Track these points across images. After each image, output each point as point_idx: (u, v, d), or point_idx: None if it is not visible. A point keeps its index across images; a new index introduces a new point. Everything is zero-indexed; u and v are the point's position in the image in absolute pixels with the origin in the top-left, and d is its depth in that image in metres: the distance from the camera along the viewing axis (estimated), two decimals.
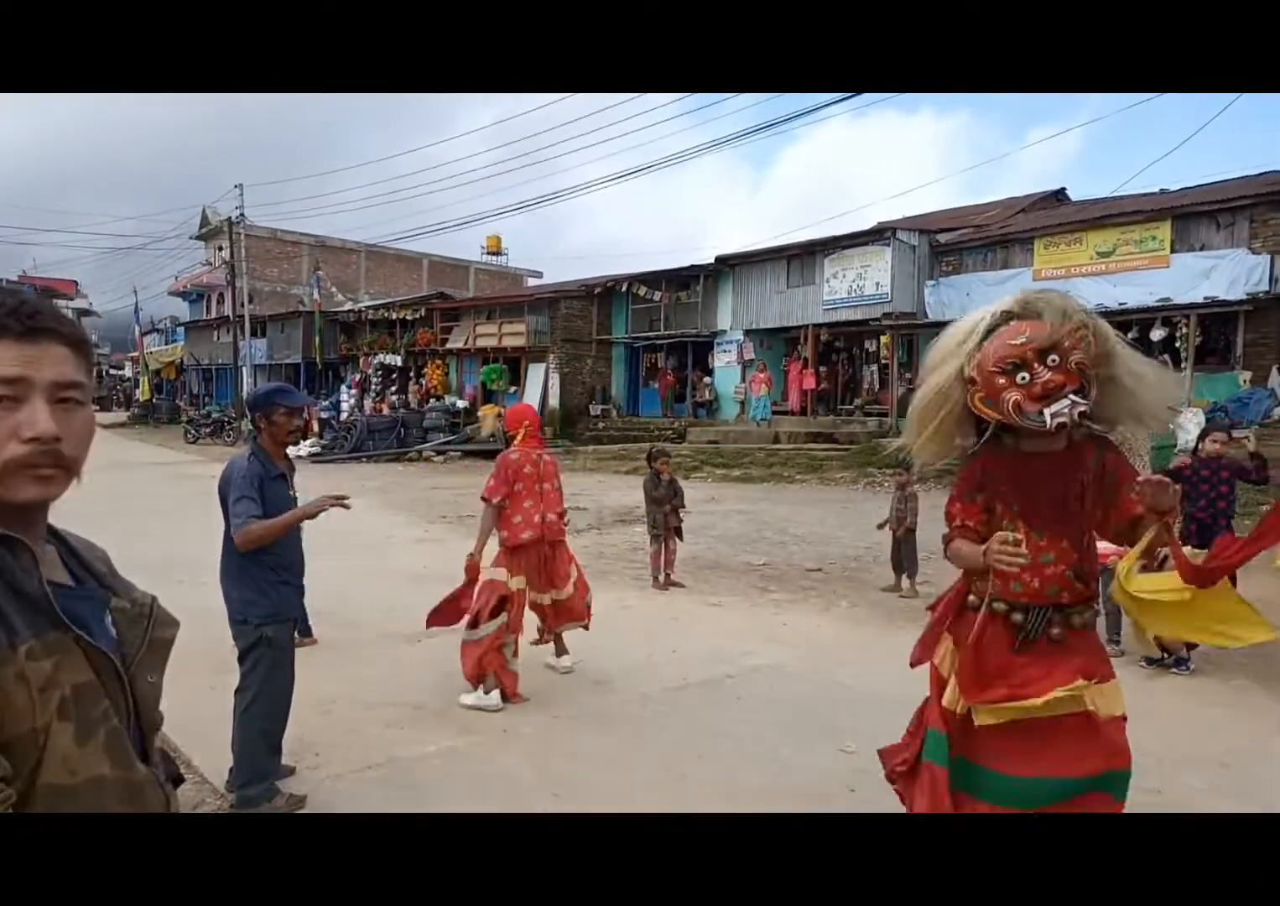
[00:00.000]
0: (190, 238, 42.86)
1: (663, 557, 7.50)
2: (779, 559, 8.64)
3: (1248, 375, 14.81)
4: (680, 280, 23.97)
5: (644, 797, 3.56)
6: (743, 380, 22.13)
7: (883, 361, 20.14)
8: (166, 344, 45.69)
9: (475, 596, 4.73)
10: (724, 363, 23.28)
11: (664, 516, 7.47)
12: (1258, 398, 13.86)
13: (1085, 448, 2.37)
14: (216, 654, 5.08)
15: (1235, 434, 5.93)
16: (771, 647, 5.66)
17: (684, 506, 7.70)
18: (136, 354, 38.62)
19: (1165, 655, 5.22)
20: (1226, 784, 3.70)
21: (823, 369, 21.64)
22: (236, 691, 3.48)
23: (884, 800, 3.54)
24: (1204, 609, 2.27)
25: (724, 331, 23.13)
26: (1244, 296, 14.79)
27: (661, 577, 7.44)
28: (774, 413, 20.77)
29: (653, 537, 7.52)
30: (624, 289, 24.80)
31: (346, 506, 3.41)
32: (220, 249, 36.60)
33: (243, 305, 31.58)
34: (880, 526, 7.42)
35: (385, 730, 4.27)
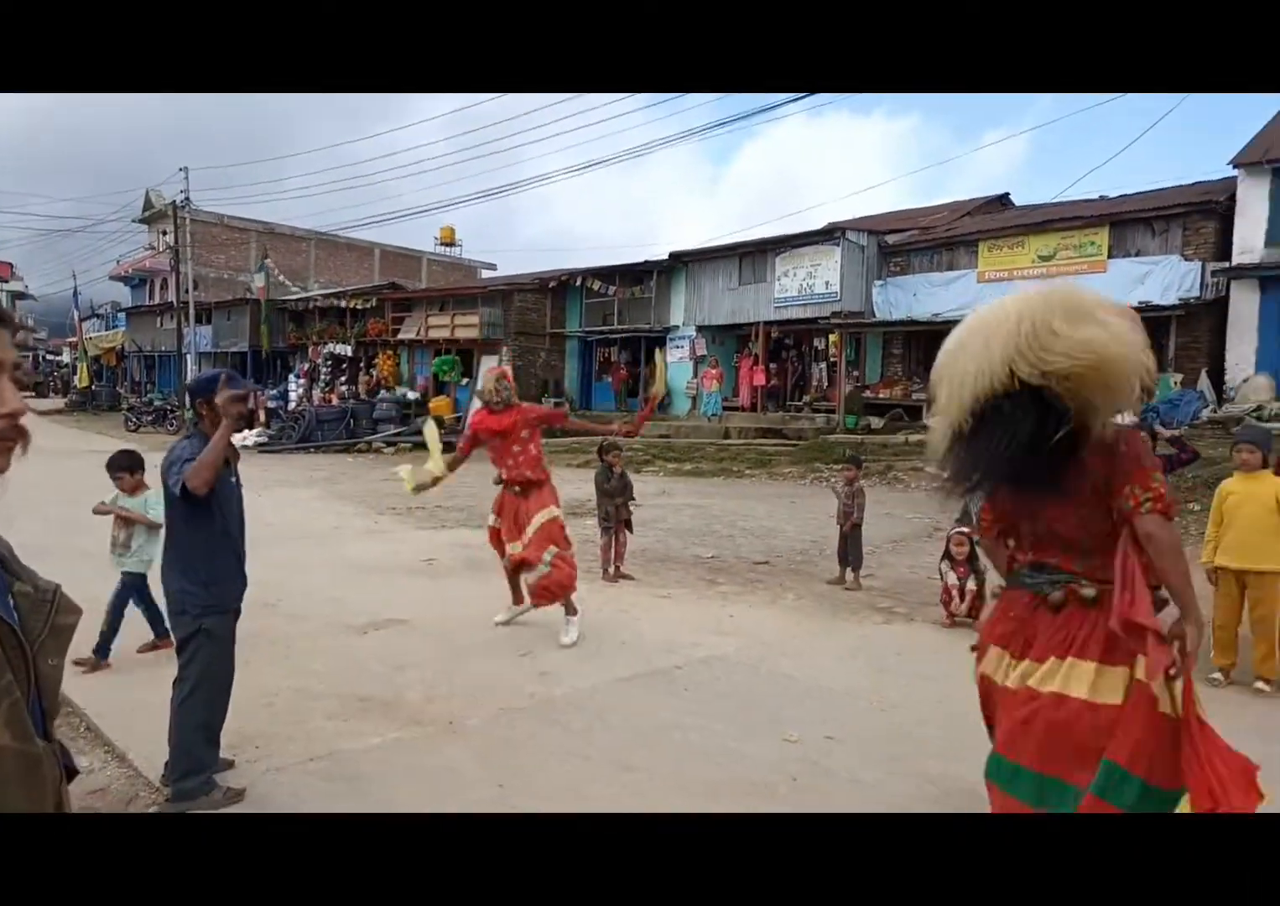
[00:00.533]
0: (133, 221, 41.64)
1: (613, 550, 7.54)
2: (727, 552, 8.74)
3: (1179, 377, 15.34)
4: (634, 275, 24.01)
5: (590, 790, 3.60)
6: (695, 376, 22.26)
7: (831, 359, 20.42)
8: (107, 329, 44.37)
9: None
10: (676, 358, 23.37)
11: (615, 509, 7.50)
12: (1188, 399, 14.36)
13: None
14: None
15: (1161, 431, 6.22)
16: (719, 639, 5.74)
17: (633, 499, 7.74)
18: (75, 339, 37.40)
19: None
20: None
21: (773, 366, 21.87)
22: (174, 683, 3.43)
23: (825, 789, 3.63)
24: None
25: (676, 327, 23.23)
26: (1176, 301, 15.31)
27: (611, 570, 7.48)
28: (725, 408, 20.94)
29: (603, 530, 7.56)
30: (578, 283, 24.76)
31: (248, 393, 3.43)
32: (164, 233, 35.53)
33: (187, 291, 30.79)
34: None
35: (329, 722, 4.24)
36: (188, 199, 30.38)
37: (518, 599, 5.96)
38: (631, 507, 7.71)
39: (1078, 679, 2.25)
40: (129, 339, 39.97)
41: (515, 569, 5.80)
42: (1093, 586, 2.29)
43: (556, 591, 5.61)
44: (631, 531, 7.72)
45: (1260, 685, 4.84)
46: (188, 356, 30.99)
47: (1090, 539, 2.30)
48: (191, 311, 31.10)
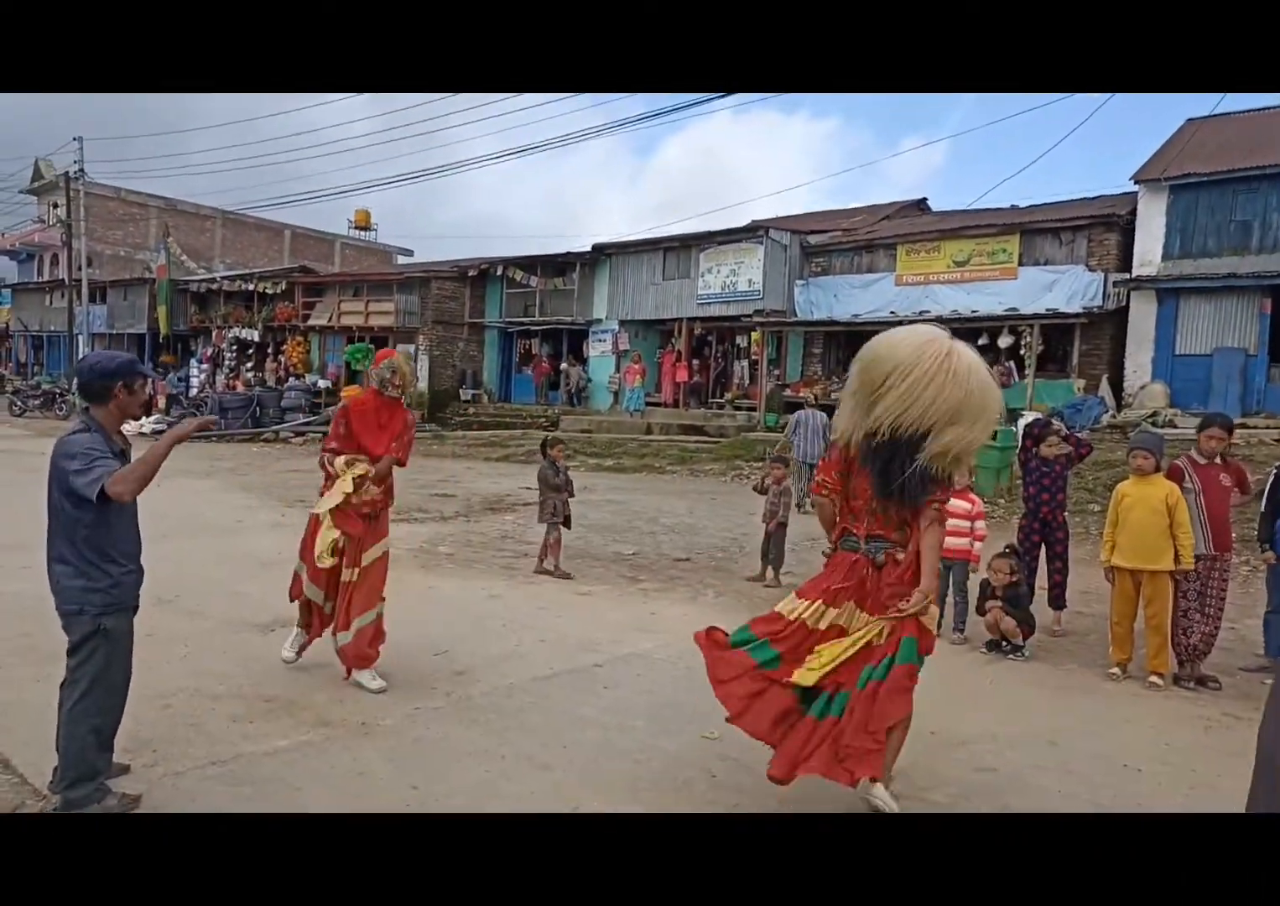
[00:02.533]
0: (20, 192, 39.21)
1: (558, 545, 7.45)
2: (649, 548, 8.71)
3: (1081, 383, 16.04)
4: (557, 266, 23.80)
5: (506, 789, 3.50)
6: (617, 370, 22.21)
7: (753, 357, 20.64)
8: None
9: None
10: (599, 352, 23.29)
11: (562, 504, 7.41)
12: (1089, 405, 15.02)
13: None
14: (41, 644, 4.67)
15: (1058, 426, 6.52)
16: (640, 636, 5.69)
17: (573, 495, 7.66)
18: None
19: (1005, 642, 5.56)
20: (1054, 761, 3.97)
21: (695, 362, 21.98)
22: (64, 684, 3.18)
23: (744, 786, 3.62)
24: None
25: (600, 320, 23.13)
26: (1081, 310, 16.00)
27: (550, 565, 7.36)
28: (647, 404, 20.96)
29: (551, 525, 7.42)
30: (499, 272, 24.40)
31: (214, 424, 3.20)
32: (55, 206, 33.67)
33: (80, 268, 29.16)
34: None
35: (232, 724, 4.03)
36: (82, 170, 28.76)
37: (313, 626, 4.81)
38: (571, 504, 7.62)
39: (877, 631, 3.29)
40: (14, 317, 37.63)
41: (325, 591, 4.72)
42: (901, 552, 3.33)
43: (371, 659, 4.65)
44: (569, 527, 7.62)
45: (1154, 679, 5.05)
46: (80, 337, 29.37)
47: (908, 524, 3.33)
48: (85, 290, 29.47)
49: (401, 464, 4.77)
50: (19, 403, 24.52)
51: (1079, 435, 6.76)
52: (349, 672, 4.63)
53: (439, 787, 3.48)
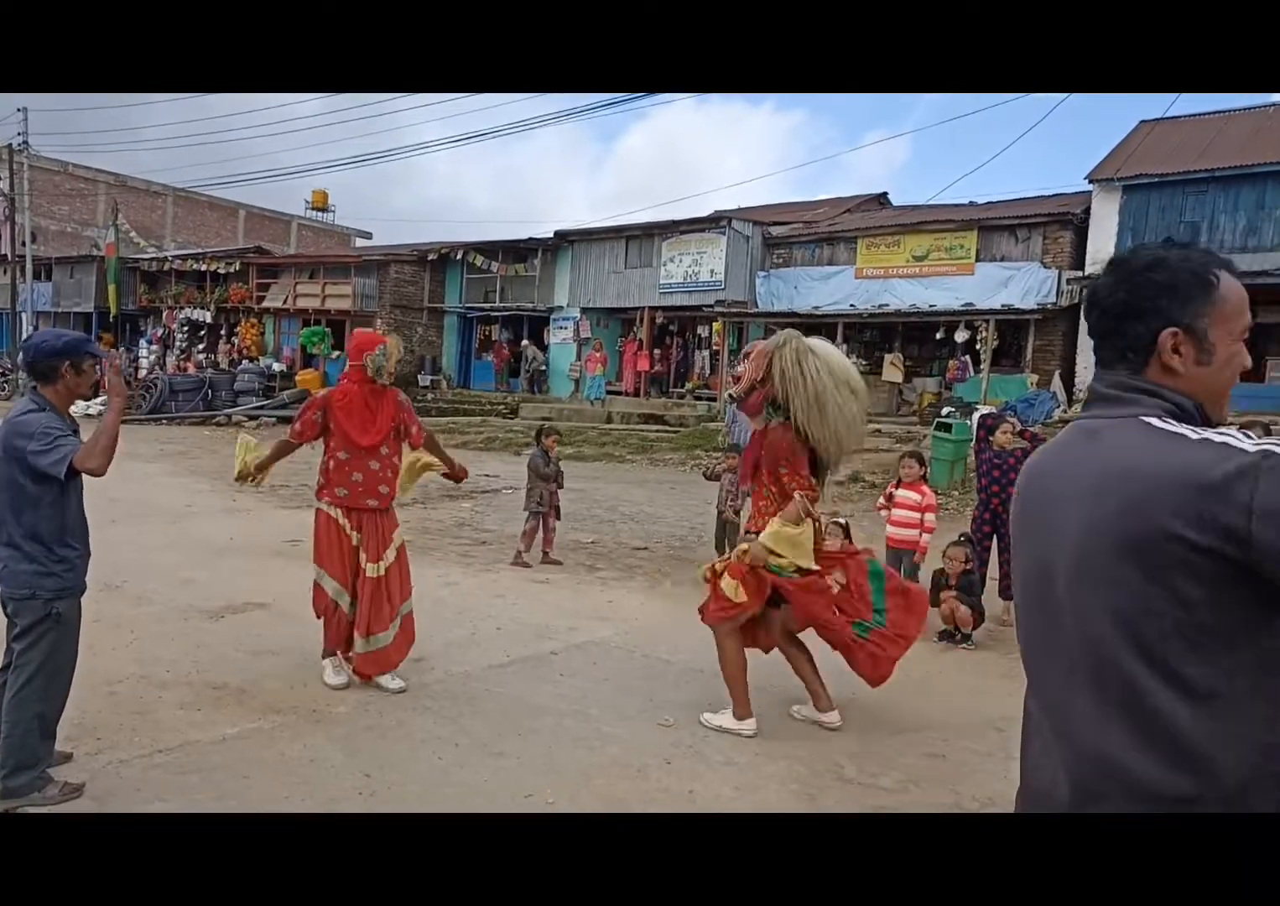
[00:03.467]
0: None
1: (541, 536, 7.42)
2: (607, 537, 8.72)
3: (1035, 378, 16.34)
4: (518, 252, 23.60)
5: (459, 776, 3.49)
6: (578, 358, 22.12)
7: (714, 348, 20.69)
8: None
9: None
10: (560, 339, 23.17)
11: (550, 494, 7.38)
12: (1042, 399, 15.31)
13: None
14: None
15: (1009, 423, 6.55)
16: (597, 624, 5.69)
17: (562, 486, 7.63)
18: None
19: (956, 631, 5.67)
20: (999, 747, 4.06)
21: (657, 352, 21.98)
22: (7, 670, 3.10)
23: (698, 772, 3.65)
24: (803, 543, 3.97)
25: (561, 307, 23.01)
26: (1035, 306, 16.28)
27: (526, 555, 7.34)
28: (608, 392, 20.92)
29: (531, 514, 7.39)
30: (459, 257, 24.13)
31: (117, 362, 3.24)
32: None
33: (24, 244, 28.23)
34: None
35: (179, 712, 3.96)
36: (25, 142, 27.80)
37: (346, 647, 4.49)
38: (560, 495, 7.61)
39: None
40: None
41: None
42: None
43: (396, 661, 4.47)
44: (560, 518, 7.60)
45: None
46: (23, 315, 28.46)
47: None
48: (29, 266, 28.53)
49: (428, 442, 4.81)
50: None
51: (1033, 431, 6.89)
52: (361, 677, 4.40)
53: (392, 775, 3.45)
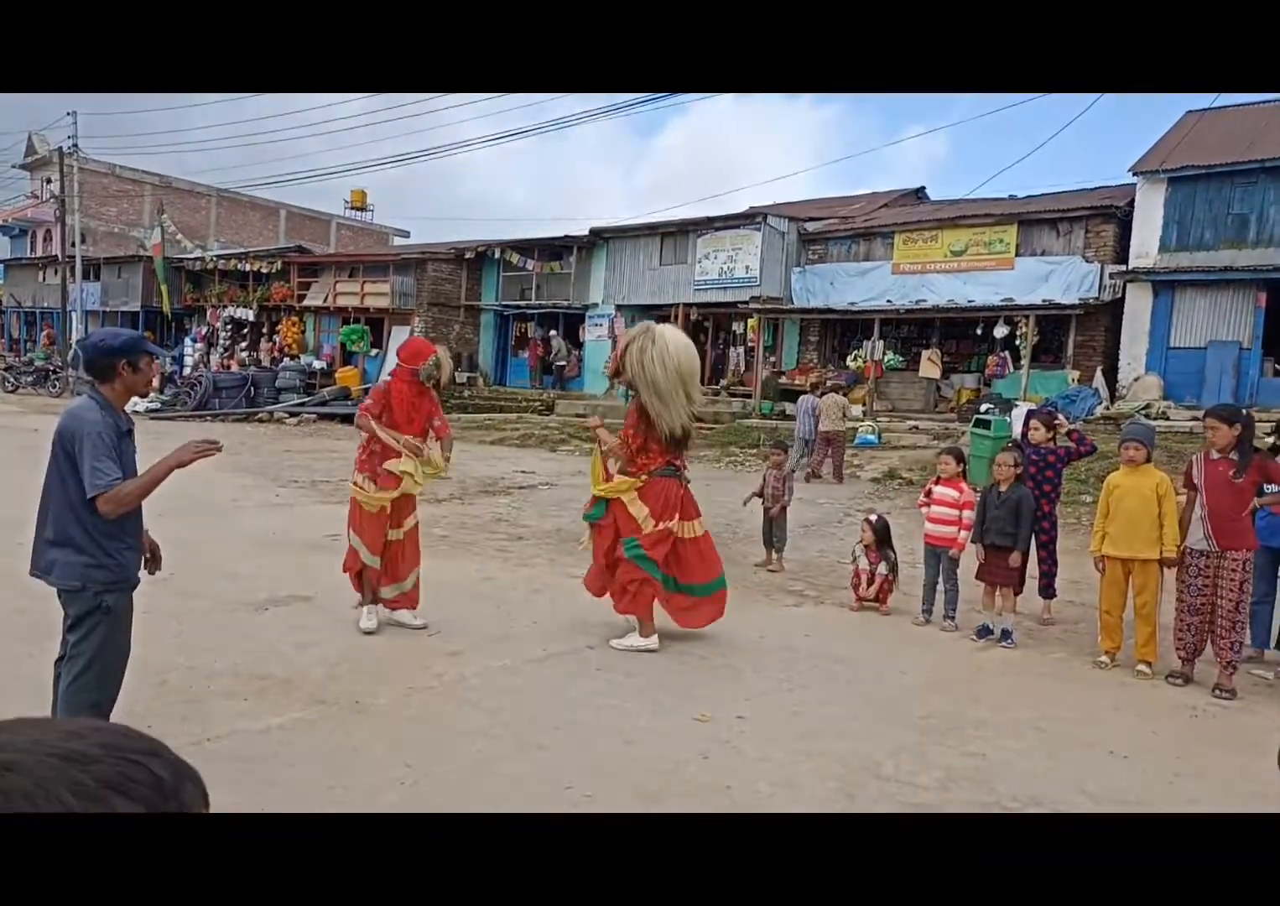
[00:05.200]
0: (14, 166, 38.82)
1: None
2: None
3: (1076, 374, 16.07)
4: (554, 250, 23.69)
5: (499, 768, 3.54)
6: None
7: (749, 344, 20.62)
8: None
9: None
10: (595, 336, 23.23)
11: None
12: (1084, 395, 15.06)
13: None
14: (37, 620, 4.67)
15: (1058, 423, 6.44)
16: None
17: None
18: None
19: (992, 631, 5.61)
20: (1040, 747, 4.02)
21: None
22: (62, 660, 3.19)
23: (734, 767, 3.66)
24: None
25: (596, 305, 23.06)
26: (1077, 301, 16.00)
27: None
28: None
29: None
30: (496, 255, 24.28)
31: (219, 449, 3.17)
32: (49, 181, 33.30)
33: (74, 245, 28.93)
34: (746, 502, 7.60)
35: (227, 702, 4.05)
36: (76, 145, 28.47)
37: (376, 597, 5.33)
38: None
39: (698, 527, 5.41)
40: (7, 293, 37.32)
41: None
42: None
43: (417, 601, 5.42)
44: None
45: (1141, 668, 5.09)
46: (73, 314, 29.19)
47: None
48: (79, 266, 29.24)
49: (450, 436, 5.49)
50: (11, 379, 24.39)
51: (1077, 429, 6.76)
52: (391, 609, 5.32)
53: (432, 766, 3.51)
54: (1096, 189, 18.52)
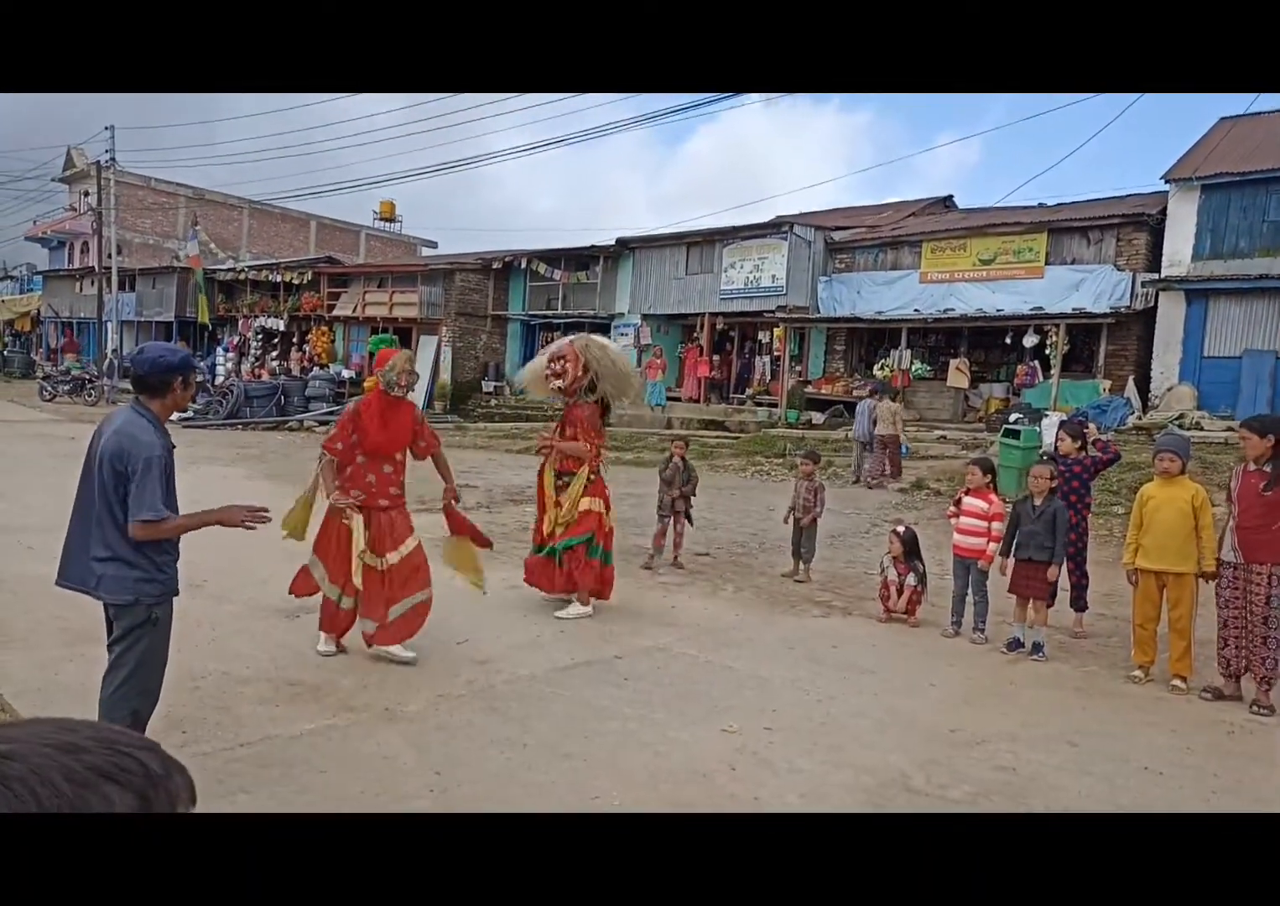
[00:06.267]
0: (52, 179, 39.67)
1: (669, 538, 7.61)
2: (668, 543, 8.72)
3: (1107, 383, 15.87)
4: (580, 260, 23.81)
5: (527, 777, 3.55)
6: (639, 364, 22.21)
7: (775, 353, 20.59)
8: (21, 292, 42.25)
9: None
10: (621, 346, 23.27)
11: (671, 499, 7.52)
12: (1115, 405, 14.87)
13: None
14: (74, 625, 4.77)
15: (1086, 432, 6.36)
16: (659, 630, 5.72)
17: (694, 493, 7.70)
18: None
19: (1021, 645, 5.55)
20: (1072, 761, 3.97)
21: (717, 357, 21.95)
22: (110, 668, 3.24)
23: (763, 779, 3.65)
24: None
25: (622, 314, 23.14)
26: (1108, 310, 15.83)
27: (658, 560, 7.55)
28: (668, 398, 20.96)
29: (659, 518, 7.63)
30: (522, 265, 24.44)
31: (266, 519, 3.24)
32: (86, 194, 34.00)
33: (110, 256, 29.49)
34: (787, 519, 7.52)
35: (259, 707, 4.10)
36: (113, 159, 29.05)
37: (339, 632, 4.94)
38: (691, 500, 7.69)
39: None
40: (45, 303, 38.11)
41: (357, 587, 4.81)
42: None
43: (405, 637, 4.82)
44: (691, 522, 7.73)
45: (1176, 683, 5.01)
46: (109, 324, 29.71)
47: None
48: (115, 277, 29.79)
49: (436, 453, 5.18)
50: (49, 388, 24.83)
51: (1104, 439, 6.68)
52: (370, 643, 4.79)
53: (461, 773, 3.53)
54: (1128, 197, 18.33)
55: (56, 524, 3.48)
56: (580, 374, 5.86)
